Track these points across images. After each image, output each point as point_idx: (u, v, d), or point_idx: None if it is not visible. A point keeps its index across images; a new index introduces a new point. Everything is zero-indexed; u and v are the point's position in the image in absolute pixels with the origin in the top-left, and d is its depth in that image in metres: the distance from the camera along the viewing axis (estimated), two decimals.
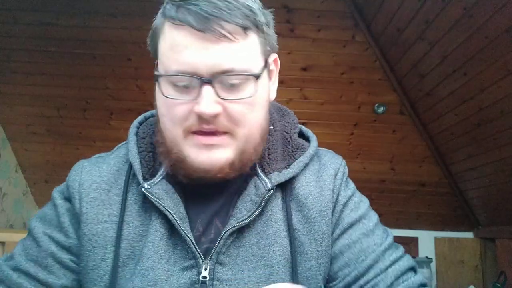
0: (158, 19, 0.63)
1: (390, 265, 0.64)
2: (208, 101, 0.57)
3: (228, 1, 0.58)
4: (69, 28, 2.94)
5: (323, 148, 0.77)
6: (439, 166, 3.39)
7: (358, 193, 0.74)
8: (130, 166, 0.69)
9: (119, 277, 0.63)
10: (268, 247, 0.63)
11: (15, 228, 3.47)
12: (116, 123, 3.36)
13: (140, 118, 0.77)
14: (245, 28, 0.59)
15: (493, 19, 2.06)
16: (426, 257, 3.45)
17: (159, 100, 0.63)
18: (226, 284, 0.61)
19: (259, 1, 0.64)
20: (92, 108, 3.32)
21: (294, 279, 0.62)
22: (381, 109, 3.22)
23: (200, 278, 0.61)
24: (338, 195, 0.70)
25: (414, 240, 3.66)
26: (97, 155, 0.77)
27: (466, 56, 2.39)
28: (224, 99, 0.59)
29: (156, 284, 0.60)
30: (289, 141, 0.72)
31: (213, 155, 0.61)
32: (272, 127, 0.72)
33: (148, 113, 0.77)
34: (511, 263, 3.03)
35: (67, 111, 3.33)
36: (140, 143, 0.71)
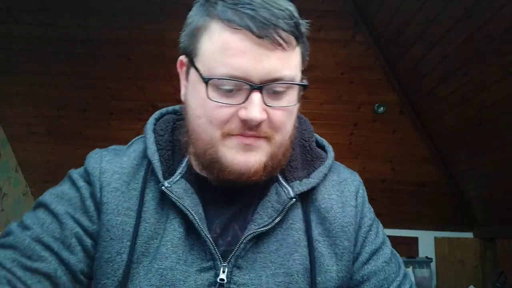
0: (200, 17, 0.61)
1: None
2: (258, 108, 0.57)
3: (282, 10, 0.57)
4: (69, 28, 2.94)
5: (336, 162, 0.78)
6: (439, 166, 3.39)
7: (374, 215, 0.75)
8: (149, 163, 0.68)
9: (132, 274, 0.62)
10: (288, 256, 0.63)
11: None
12: (116, 123, 3.36)
13: (156, 114, 0.75)
14: (297, 38, 0.60)
15: (493, 19, 2.07)
16: (426, 257, 3.45)
17: (197, 100, 0.61)
18: None
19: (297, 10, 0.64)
20: (92, 108, 3.32)
21: (313, 287, 0.63)
22: (381, 109, 3.22)
23: (218, 280, 0.61)
24: (362, 216, 0.71)
25: (414, 240, 3.65)
26: (112, 147, 0.75)
27: (466, 56, 2.39)
28: (270, 106, 0.59)
29: (173, 284, 0.60)
30: (308, 150, 0.73)
31: (251, 158, 0.60)
32: None
33: (163, 110, 0.76)
34: (511, 263, 3.04)
35: (67, 111, 3.33)
36: (159, 140, 0.69)
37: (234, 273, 0.61)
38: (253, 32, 0.55)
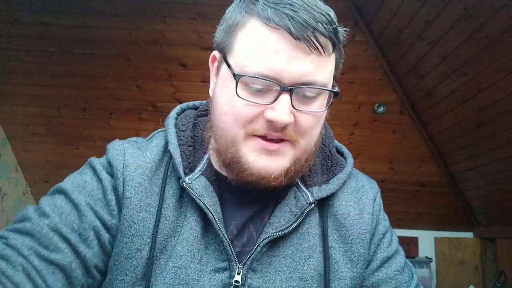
0: (238, 13, 0.60)
1: None
2: (287, 110, 0.56)
3: (323, 14, 0.57)
4: (69, 28, 2.94)
5: (355, 169, 0.78)
6: (439, 166, 3.39)
7: (389, 223, 0.75)
8: (169, 158, 0.67)
9: (149, 271, 0.61)
10: (303, 261, 0.63)
11: None
12: (116, 123, 3.36)
13: (177, 109, 0.74)
14: (333, 44, 0.59)
15: (493, 19, 2.06)
16: (426, 257, 3.45)
17: (224, 96, 0.61)
18: None
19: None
20: (92, 108, 3.32)
21: None
22: (381, 109, 3.21)
23: (233, 282, 0.60)
24: (377, 223, 0.71)
25: (414, 240, 3.65)
26: (133, 139, 0.72)
27: (466, 56, 2.39)
28: (298, 109, 0.58)
29: (187, 283, 0.60)
30: (328, 155, 0.72)
31: (273, 163, 0.59)
32: None
33: (184, 105, 0.75)
34: (511, 263, 3.03)
35: (67, 111, 3.33)
36: (180, 136, 0.68)
37: (249, 276, 0.61)
38: (291, 33, 0.55)
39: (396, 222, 3.60)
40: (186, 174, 0.64)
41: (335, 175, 0.69)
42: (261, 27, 0.57)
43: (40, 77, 3.17)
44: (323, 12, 0.57)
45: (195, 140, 0.69)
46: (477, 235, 3.54)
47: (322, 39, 0.56)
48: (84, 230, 0.61)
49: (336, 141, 0.77)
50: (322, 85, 0.58)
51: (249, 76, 0.56)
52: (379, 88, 3.16)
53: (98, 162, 0.68)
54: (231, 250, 0.61)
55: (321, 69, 0.58)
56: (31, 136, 3.45)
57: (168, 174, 0.66)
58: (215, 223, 0.61)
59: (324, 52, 0.57)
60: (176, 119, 0.72)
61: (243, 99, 0.57)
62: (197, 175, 0.64)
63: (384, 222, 0.72)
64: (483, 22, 2.13)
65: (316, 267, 0.63)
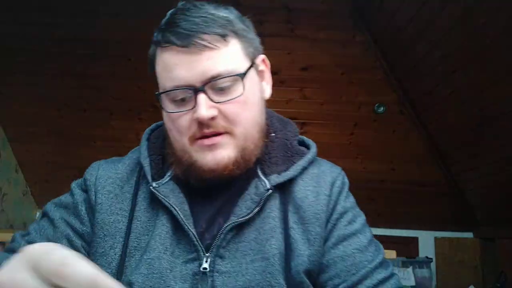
0: (151, 48, 0.71)
1: (378, 284, 0.68)
2: (204, 106, 0.64)
3: (204, 16, 0.65)
4: (69, 28, 2.94)
5: (323, 159, 0.82)
6: (439, 166, 3.39)
7: (357, 208, 0.77)
8: (141, 167, 0.75)
9: (125, 266, 0.68)
10: (265, 242, 0.67)
11: (15, 228, 3.46)
12: (116, 123, 3.36)
13: (153, 126, 0.84)
14: (223, 36, 0.65)
15: (493, 19, 2.07)
16: (426, 257, 3.45)
17: (165, 117, 0.71)
18: (225, 276, 0.65)
19: (235, 11, 0.71)
20: (92, 108, 3.32)
21: (286, 271, 0.66)
22: (381, 109, 3.22)
23: (201, 269, 0.65)
24: (336, 204, 0.73)
25: (414, 240, 3.65)
26: (112, 158, 0.83)
27: (466, 56, 2.39)
28: (218, 102, 0.65)
29: (160, 272, 0.65)
30: (289, 147, 0.77)
31: (217, 155, 0.67)
32: (273, 134, 0.78)
33: (160, 122, 0.82)
34: (511, 263, 3.03)
35: (67, 111, 3.33)
36: (151, 147, 0.77)
37: (216, 262, 0.66)
38: (177, 45, 0.64)
39: (396, 222, 3.59)
40: (155, 180, 0.72)
41: (295, 163, 0.74)
42: (160, 51, 0.67)
43: (40, 77, 3.17)
44: (203, 15, 0.65)
45: (166, 150, 0.77)
46: (477, 235, 3.54)
47: (208, 37, 0.64)
48: (57, 238, 0.71)
49: (304, 137, 0.83)
50: (227, 73, 0.65)
51: (163, 92, 0.67)
52: (379, 88, 3.16)
53: (74, 183, 0.79)
54: (198, 241, 0.66)
55: (220, 60, 0.65)
56: (31, 136, 3.46)
57: (140, 181, 0.75)
58: (180, 219, 0.67)
59: (217, 46, 0.64)
60: (150, 134, 0.81)
61: (171, 112, 0.67)
62: (166, 180, 0.72)
63: (345, 203, 0.74)
64: (483, 22, 2.13)
65: (277, 246, 0.67)
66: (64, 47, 3.03)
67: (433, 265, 3.47)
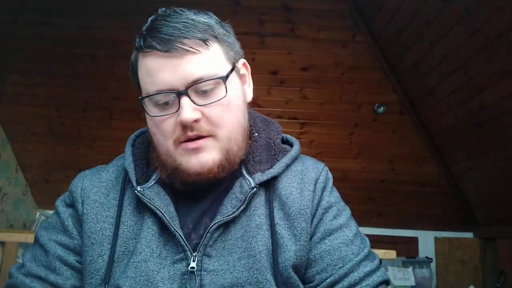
0: (133, 54, 0.71)
1: (365, 277, 0.69)
2: (187, 109, 0.65)
3: (185, 22, 0.66)
4: (69, 28, 2.94)
5: (307, 156, 0.83)
6: (439, 166, 3.39)
7: (342, 203, 0.78)
8: (126, 173, 0.76)
9: (114, 271, 0.68)
10: (251, 239, 0.68)
11: (15, 228, 3.47)
12: (116, 123, 3.36)
13: (137, 132, 0.85)
14: (204, 40, 0.67)
15: (493, 19, 2.07)
16: (426, 257, 3.45)
17: (148, 121, 0.72)
18: (213, 274, 0.66)
19: (215, 17, 0.73)
20: (92, 108, 3.32)
21: (274, 267, 0.67)
22: (381, 109, 3.22)
23: (189, 269, 0.66)
24: (320, 199, 0.74)
25: (414, 240, 3.65)
26: (97, 166, 0.84)
27: (466, 56, 2.39)
28: (201, 105, 0.66)
29: (148, 275, 0.65)
30: (272, 146, 0.78)
31: (201, 158, 0.68)
32: (257, 134, 0.79)
33: (144, 129, 0.83)
34: (511, 263, 3.04)
35: (67, 111, 3.33)
36: (136, 152, 0.78)
37: (204, 261, 0.67)
38: (159, 49, 0.65)
39: (396, 222, 3.59)
40: (140, 184, 0.73)
41: (279, 161, 0.75)
42: (142, 57, 0.68)
43: (40, 77, 3.17)
44: (184, 20, 0.66)
45: (150, 155, 0.77)
46: (477, 235, 3.54)
47: (189, 41, 0.65)
48: (50, 262, 0.72)
49: (287, 135, 0.84)
50: (210, 76, 0.66)
51: (148, 96, 0.67)
52: (379, 88, 3.16)
53: (59, 200, 0.80)
54: (184, 241, 0.67)
55: (202, 64, 0.66)
56: (31, 136, 3.46)
57: (126, 186, 0.75)
58: (166, 220, 0.68)
59: (198, 50, 0.66)
60: (135, 140, 0.82)
61: (155, 116, 0.68)
62: (152, 183, 0.73)
63: (329, 198, 0.75)
64: (483, 22, 2.13)
65: (264, 243, 0.68)
66: (64, 47, 3.03)
67: (433, 265, 3.48)
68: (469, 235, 3.59)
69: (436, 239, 3.60)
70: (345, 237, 0.72)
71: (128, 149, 0.79)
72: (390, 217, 3.56)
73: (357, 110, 3.26)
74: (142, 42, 0.67)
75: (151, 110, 0.69)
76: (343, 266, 0.69)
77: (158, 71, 0.66)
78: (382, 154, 3.42)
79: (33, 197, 3.75)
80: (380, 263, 0.74)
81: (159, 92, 0.66)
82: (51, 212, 3.75)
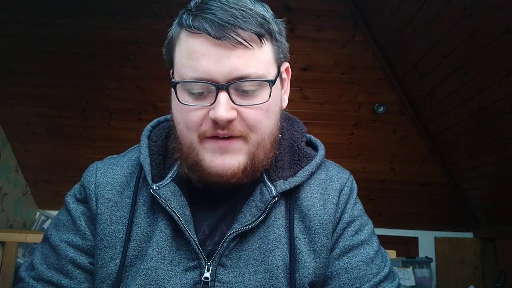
0: (173, 29, 0.65)
1: None
2: (224, 107, 0.59)
3: (243, 10, 0.60)
4: (69, 28, 2.94)
5: (331, 161, 0.78)
6: (439, 166, 3.39)
7: (365, 216, 0.73)
8: (141, 169, 0.70)
9: (126, 276, 0.65)
10: (269, 252, 0.64)
11: (15, 228, 3.46)
12: (116, 123, 3.36)
13: (153, 122, 0.79)
14: (260, 36, 0.61)
15: (493, 19, 2.06)
16: (426, 257, 3.45)
17: (175, 107, 0.66)
18: (227, 286, 0.62)
19: (271, 11, 0.66)
20: (92, 108, 3.32)
21: (291, 284, 0.63)
22: (381, 109, 3.21)
23: (202, 279, 0.62)
24: (343, 212, 0.70)
25: (414, 240, 3.65)
26: (109, 157, 0.78)
27: (466, 56, 2.39)
28: (239, 105, 0.61)
29: (158, 283, 0.62)
30: (296, 150, 0.73)
31: (227, 160, 0.62)
32: (280, 135, 0.72)
33: (161, 118, 0.79)
34: (511, 263, 3.04)
35: (67, 111, 3.33)
36: (152, 146, 0.73)
37: (218, 272, 0.63)
38: (210, 34, 0.58)
39: (396, 222, 3.59)
40: (155, 181, 0.68)
41: (302, 168, 0.70)
42: (188, 36, 0.61)
43: (40, 77, 3.16)
44: (243, 8, 0.60)
45: (167, 149, 0.72)
46: (477, 235, 3.54)
47: (244, 34, 0.59)
48: (62, 265, 0.67)
49: (311, 136, 0.78)
50: (256, 77, 0.60)
51: (184, 82, 0.61)
52: (379, 88, 3.16)
53: (69, 195, 0.74)
54: (199, 248, 0.63)
55: (251, 62, 0.60)
56: (31, 136, 3.45)
57: (140, 184, 0.70)
58: (181, 224, 0.63)
59: (251, 46, 0.59)
60: (151, 131, 0.76)
61: (185, 104, 0.61)
62: (167, 181, 0.68)
63: (352, 212, 0.70)
64: (483, 22, 2.13)
65: (282, 257, 0.64)
66: (64, 47, 3.03)
67: (433, 265, 3.48)
68: (469, 235, 3.59)
69: (436, 239, 3.60)
70: (365, 254, 0.67)
71: (144, 141, 0.73)
72: (390, 217, 3.56)
73: (357, 110, 3.25)
74: (190, 20, 0.60)
75: (182, 96, 0.62)
76: (360, 287, 0.64)
77: (203, 57, 0.59)
78: (382, 154, 3.42)
79: (33, 197, 3.75)
80: (399, 283, 0.70)
81: (198, 81, 0.60)
82: (51, 212, 3.76)
